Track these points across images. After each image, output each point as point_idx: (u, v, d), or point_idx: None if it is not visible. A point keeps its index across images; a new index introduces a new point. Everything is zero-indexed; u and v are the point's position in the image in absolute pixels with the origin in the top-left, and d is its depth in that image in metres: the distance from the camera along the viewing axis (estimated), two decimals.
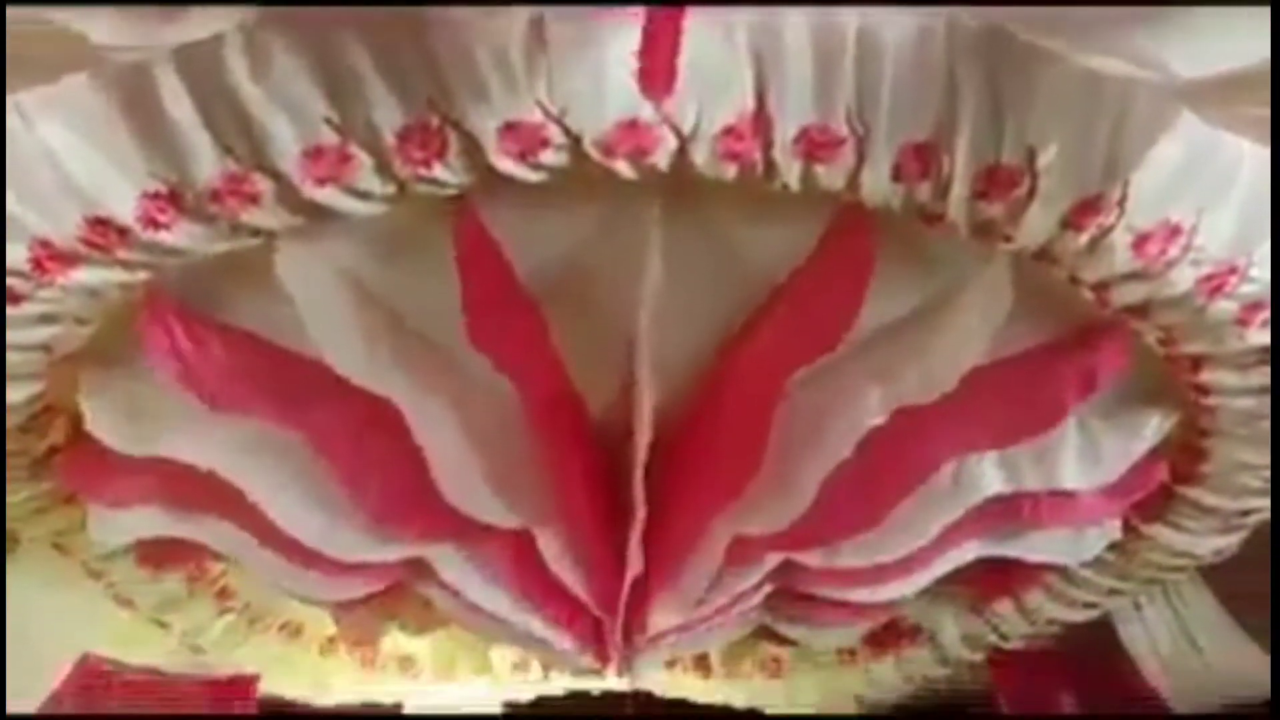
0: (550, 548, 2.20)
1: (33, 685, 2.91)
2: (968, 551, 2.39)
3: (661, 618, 2.23)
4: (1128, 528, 2.41)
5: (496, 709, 3.36)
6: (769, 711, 3.33)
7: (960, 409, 1.91)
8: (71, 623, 2.82)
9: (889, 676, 3.09)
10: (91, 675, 3.10)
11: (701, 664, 3.21)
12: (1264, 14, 1.29)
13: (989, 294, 1.77)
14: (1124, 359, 1.91)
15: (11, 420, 2.06)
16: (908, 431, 1.92)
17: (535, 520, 2.16)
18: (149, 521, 2.32)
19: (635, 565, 2.19)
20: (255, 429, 2.03)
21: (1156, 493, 2.28)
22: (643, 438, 2.01)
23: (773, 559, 2.20)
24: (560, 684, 3.31)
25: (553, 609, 2.34)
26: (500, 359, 1.91)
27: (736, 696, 3.29)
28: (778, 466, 1.95)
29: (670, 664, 3.06)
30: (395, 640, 3.08)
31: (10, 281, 1.65)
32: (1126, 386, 2.04)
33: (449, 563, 2.28)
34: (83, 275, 1.65)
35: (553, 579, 2.25)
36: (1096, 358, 1.91)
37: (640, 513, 2.10)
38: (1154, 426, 2.09)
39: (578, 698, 3.39)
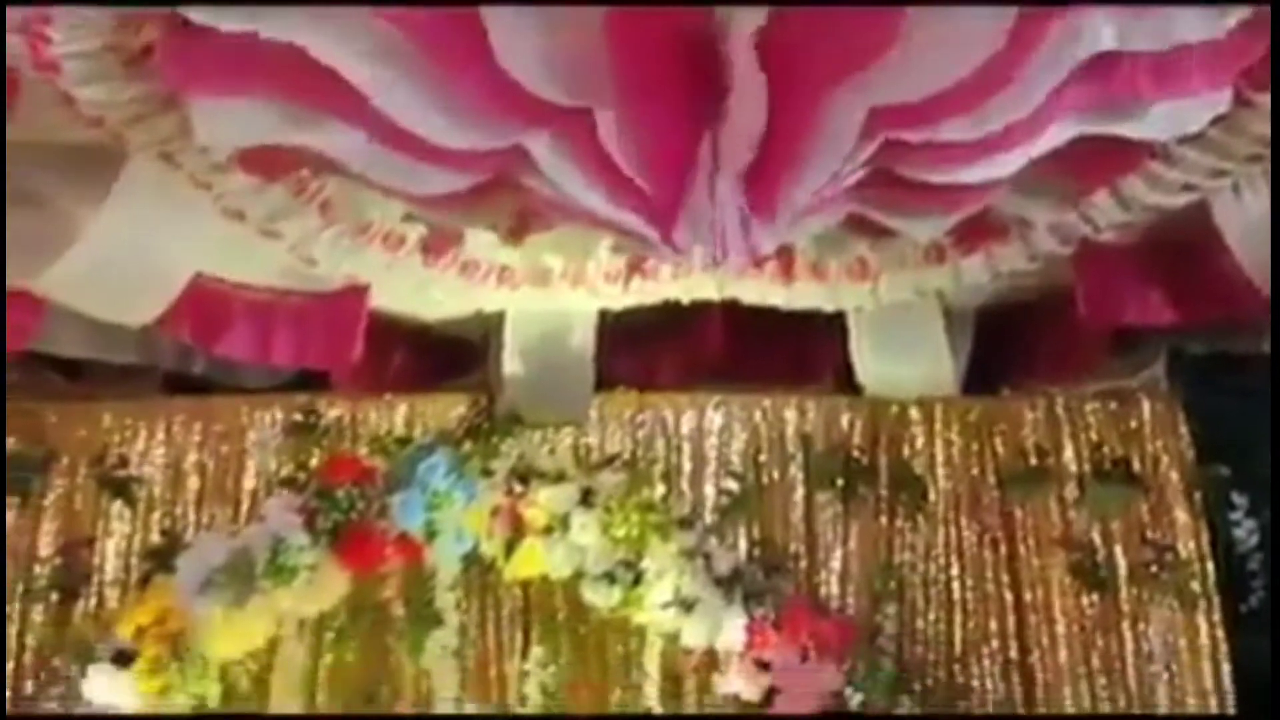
0: (629, 130, 2.18)
1: (151, 299, 3.11)
2: (1068, 128, 2.34)
3: (798, 194, 2.24)
4: (1237, 99, 2.34)
5: (591, 319, 3.50)
6: (853, 311, 3.42)
7: None
8: (185, 237, 2.95)
9: (976, 273, 3.15)
10: (209, 295, 3.28)
11: (786, 269, 3.27)
12: None
13: None
14: None
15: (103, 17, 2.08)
16: None
17: (605, 101, 2.14)
18: (253, 120, 2.35)
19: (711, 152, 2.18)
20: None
21: (1269, 56, 2.19)
22: None
23: (883, 135, 2.17)
24: (652, 293, 3.42)
25: (642, 198, 2.36)
26: None
27: (822, 300, 3.39)
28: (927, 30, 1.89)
29: (757, 266, 3.11)
30: (492, 251, 3.19)
31: None
32: None
33: (546, 152, 2.29)
34: None
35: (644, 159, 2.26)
36: None
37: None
38: None
39: (669, 308, 3.51)
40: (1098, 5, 2.01)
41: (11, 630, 3.37)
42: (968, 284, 3.22)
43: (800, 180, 2.26)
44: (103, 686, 3.04)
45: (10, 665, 3.34)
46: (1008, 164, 2.38)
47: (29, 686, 3.31)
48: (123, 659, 3.05)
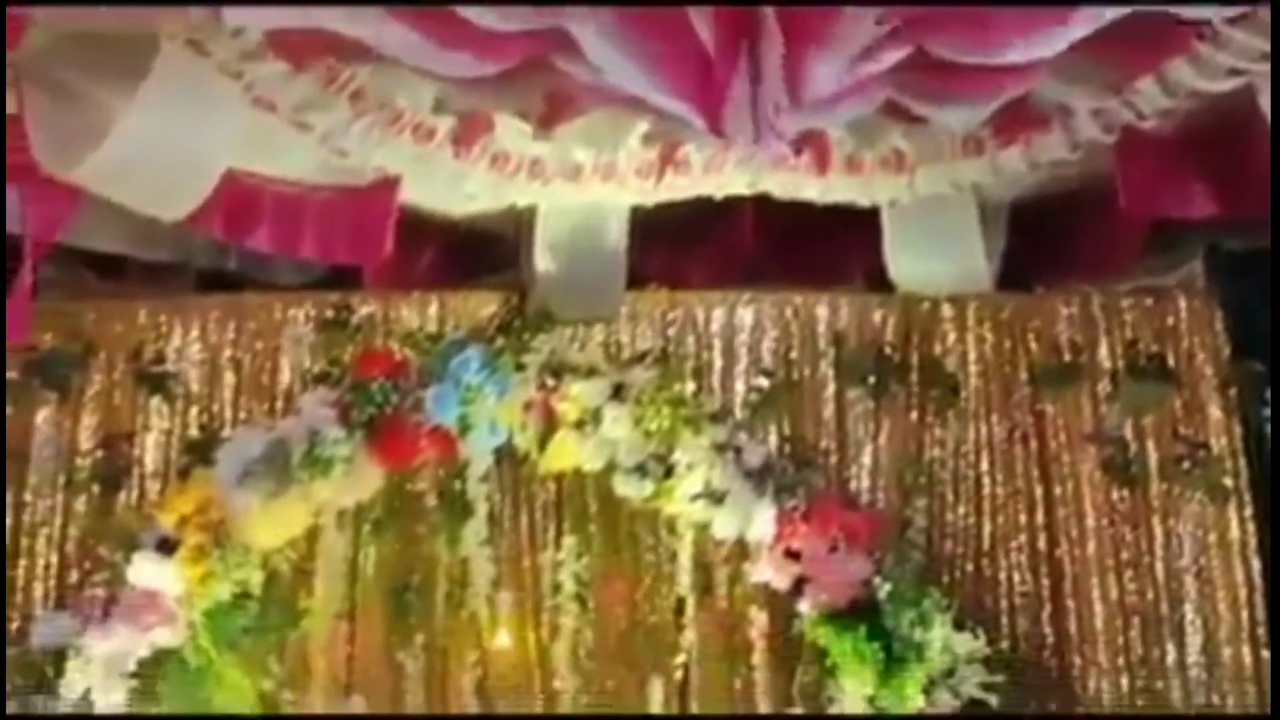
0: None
1: (186, 193, 3.11)
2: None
3: (824, 76, 2.22)
4: None
5: (624, 214, 3.48)
6: (887, 206, 3.39)
7: None
8: (217, 128, 2.94)
9: (1015, 164, 3.11)
10: (240, 190, 3.28)
11: (821, 162, 3.24)
12: None
13: None
14: None
15: None
16: None
17: None
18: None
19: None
20: None
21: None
22: None
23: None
24: (685, 189, 3.40)
25: (687, 80, 2.34)
26: None
27: (856, 194, 3.35)
28: None
29: (795, 155, 3.07)
30: (523, 144, 3.17)
31: None
32: None
33: (592, 37, 2.27)
34: None
35: (688, 47, 2.24)
36: None
37: None
38: None
39: (701, 203, 3.49)
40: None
41: (55, 521, 3.44)
42: (1006, 175, 3.18)
43: (825, 58, 2.24)
44: (147, 573, 3.10)
45: (54, 556, 3.42)
46: (1049, 43, 2.33)
47: (74, 575, 3.38)
48: (166, 546, 3.11)
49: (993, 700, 3.05)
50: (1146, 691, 3.30)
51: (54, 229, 3.07)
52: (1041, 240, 3.58)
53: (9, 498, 3.43)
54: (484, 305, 3.59)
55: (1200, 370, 3.47)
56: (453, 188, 3.28)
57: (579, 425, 3.29)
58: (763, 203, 3.53)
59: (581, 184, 3.31)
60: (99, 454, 3.48)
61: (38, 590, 3.39)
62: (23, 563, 3.40)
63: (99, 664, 3.01)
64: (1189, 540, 3.38)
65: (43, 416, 3.49)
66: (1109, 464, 3.43)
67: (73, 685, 2.98)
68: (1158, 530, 3.39)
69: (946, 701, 3.03)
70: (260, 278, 3.77)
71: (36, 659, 3.06)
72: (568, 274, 3.49)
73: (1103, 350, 3.50)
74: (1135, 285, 3.58)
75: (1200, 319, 3.50)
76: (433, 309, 3.61)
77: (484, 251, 3.83)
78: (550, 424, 3.31)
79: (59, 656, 3.03)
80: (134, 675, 3.03)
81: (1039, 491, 3.44)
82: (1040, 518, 3.43)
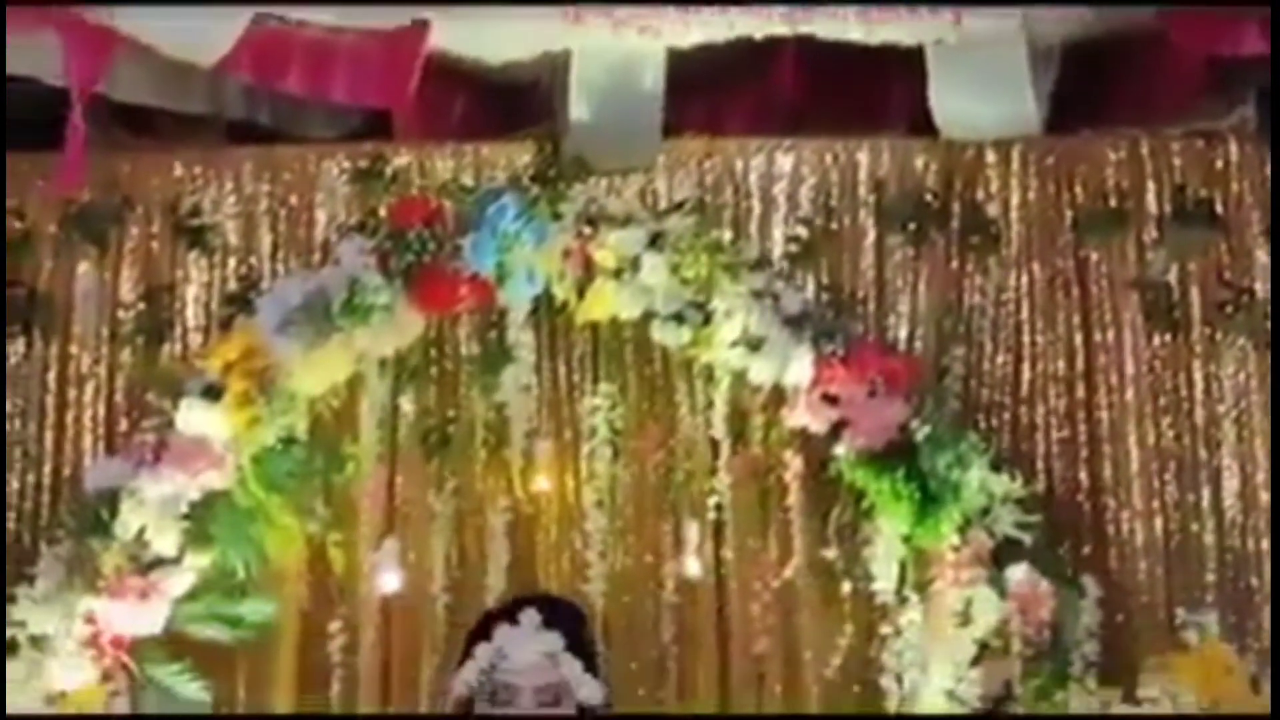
0: None
1: (217, 33, 3.08)
2: None
3: None
4: None
5: (660, 58, 3.40)
6: (932, 45, 3.30)
7: None
8: None
9: None
10: (269, 34, 3.25)
11: None
12: None
13: None
14: None
15: None
16: None
17: None
18: None
19: None
20: None
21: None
22: None
23: None
24: (722, 28, 3.31)
25: None
26: None
27: (901, 34, 3.26)
28: None
29: None
30: None
31: None
32: None
33: None
34: None
35: None
36: None
37: None
38: None
39: (740, 47, 3.41)
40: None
41: (101, 373, 3.49)
42: (1056, 11, 3.06)
43: None
44: (195, 419, 3.14)
45: (102, 408, 3.48)
46: None
47: (123, 424, 3.45)
48: (212, 393, 3.14)
49: (1026, 539, 3.08)
50: (1180, 533, 3.33)
51: (95, 76, 3.07)
52: (1090, 82, 3.48)
53: (54, 349, 3.49)
54: (519, 155, 3.52)
55: (1248, 215, 3.40)
56: (485, 30, 3.21)
57: (617, 273, 3.26)
58: (804, 46, 3.44)
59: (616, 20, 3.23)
60: (141, 306, 3.51)
61: (87, 440, 3.47)
62: (71, 413, 3.47)
63: (152, 506, 3.07)
64: (1229, 385, 3.36)
65: (83, 269, 3.52)
66: (1151, 310, 3.39)
67: (127, 525, 3.05)
68: (1198, 376, 3.37)
69: (982, 540, 3.07)
70: (292, 131, 3.74)
71: (90, 501, 3.13)
72: (602, 121, 3.42)
73: (1150, 195, 3.43)
74: (1185, 129, 3.49)
75: (1251, 163, 3.42)
76: (467, 159, 3.57)
77: (517, 103, 3.77)
78: (588, 272, 3.29)
79: (113, 498, 3.09)
80: (186, 517, 3.09)
81: (1079, 339, 3.42)
82: (1080, 365, 3.40)
